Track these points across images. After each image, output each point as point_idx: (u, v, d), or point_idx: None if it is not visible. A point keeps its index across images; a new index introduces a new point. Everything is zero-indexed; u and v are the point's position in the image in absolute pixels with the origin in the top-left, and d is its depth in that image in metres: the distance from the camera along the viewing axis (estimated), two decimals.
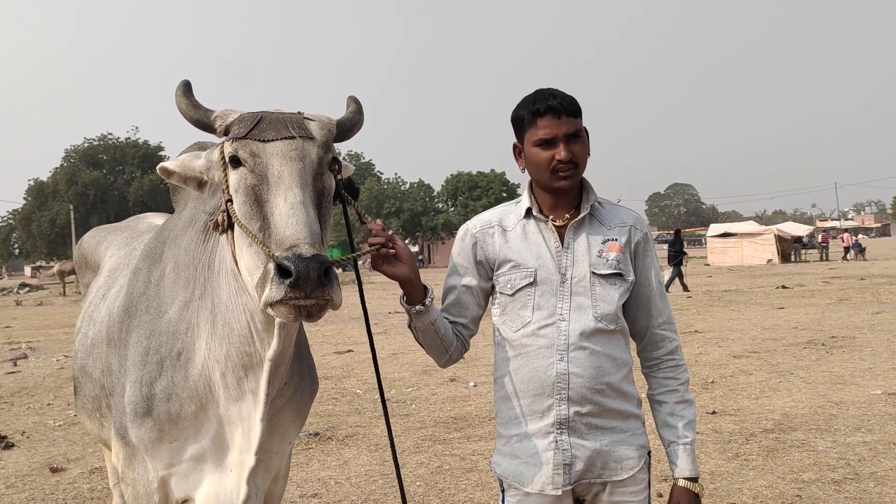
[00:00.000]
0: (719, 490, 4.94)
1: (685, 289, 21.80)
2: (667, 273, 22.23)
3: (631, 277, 2.15)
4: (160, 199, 54.35)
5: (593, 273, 2.11)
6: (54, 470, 6.02)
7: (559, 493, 2.06)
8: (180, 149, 2.54)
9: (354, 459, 6.16)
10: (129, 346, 2.38)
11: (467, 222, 2.30)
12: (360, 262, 2.29)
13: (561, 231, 2.16)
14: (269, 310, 1.79)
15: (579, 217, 2.15)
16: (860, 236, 53.95)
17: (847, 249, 39.54)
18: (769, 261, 37.38)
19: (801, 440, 6.03)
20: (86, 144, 61.37)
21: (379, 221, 2.09)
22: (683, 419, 2.16)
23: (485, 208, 2.60)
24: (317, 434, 6.95)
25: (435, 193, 67.18)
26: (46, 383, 10.22)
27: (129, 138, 61.71)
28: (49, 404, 8.84)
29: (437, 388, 8.89)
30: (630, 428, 2.12)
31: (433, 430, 7.03)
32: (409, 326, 2.16)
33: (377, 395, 8.44)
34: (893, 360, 9.04)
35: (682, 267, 22.67)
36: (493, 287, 2.23)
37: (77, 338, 3.03)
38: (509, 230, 2.20)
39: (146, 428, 2.28)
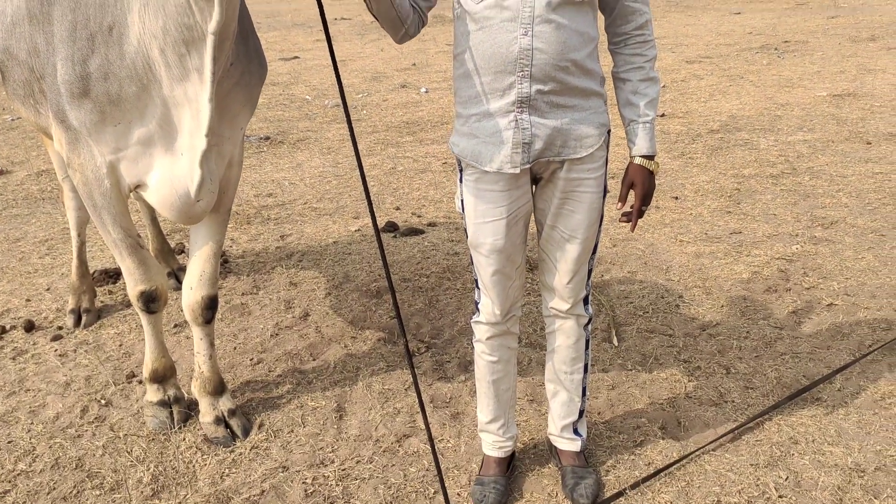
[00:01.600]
0: (662, 185, 5.13)
1: None
2: None
3: None
4: None
5: None
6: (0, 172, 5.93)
7: (517, 171, 2.05)
8: None
9: (307, 162, 6.18)
10: (53, 22, 2.17)
11: None
12: None
13: None
14: None
15: None
16: None
17: None
18: None
19: (744, 140, 6.20)
20: None
21: None
22: (646, 97, 2.11)
23: None
24: (268, 138, 6.89)
25: None
26: None
27: None
28: None
29: (388, 95, 8.75)
30: (592, 106, 2.06)
31: (385, 134, 7.02)
32: None
33: (326, 101, 8.33)
34: (842, 64, 9.10)
35: None
36: None
37: None
38: None
39: (85, 110, 2.16)
